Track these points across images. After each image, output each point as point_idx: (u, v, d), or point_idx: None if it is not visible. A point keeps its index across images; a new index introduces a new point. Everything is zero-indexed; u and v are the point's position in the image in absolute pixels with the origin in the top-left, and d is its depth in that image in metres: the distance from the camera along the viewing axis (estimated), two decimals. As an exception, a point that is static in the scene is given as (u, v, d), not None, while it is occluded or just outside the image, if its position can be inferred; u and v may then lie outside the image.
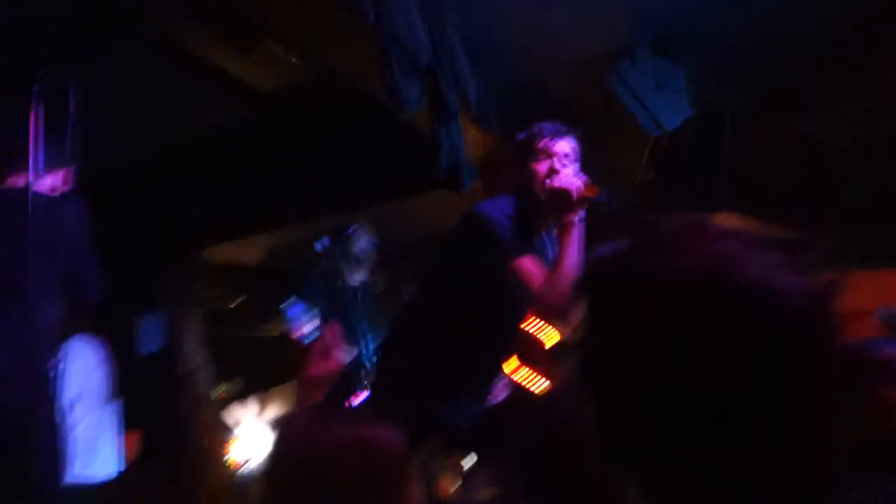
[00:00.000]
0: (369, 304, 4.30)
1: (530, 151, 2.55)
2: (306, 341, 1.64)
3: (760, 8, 4.03)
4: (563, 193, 2.39)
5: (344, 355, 1.63)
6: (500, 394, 2.64)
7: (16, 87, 2.20)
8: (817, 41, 4.29)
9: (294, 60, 3.78)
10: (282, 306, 1.68)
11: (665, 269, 0.69)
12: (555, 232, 2.53)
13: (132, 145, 4.99)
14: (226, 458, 7.62)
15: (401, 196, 5.57)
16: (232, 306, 7.24)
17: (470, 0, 3.99)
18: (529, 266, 2.38)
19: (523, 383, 4.90)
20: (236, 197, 5.59)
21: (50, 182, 2.62)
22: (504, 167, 5.12)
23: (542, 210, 2.51)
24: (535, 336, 5.03)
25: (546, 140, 2.54)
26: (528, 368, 4.94)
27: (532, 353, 5.00)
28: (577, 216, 2.39)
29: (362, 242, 4.35)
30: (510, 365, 5.08)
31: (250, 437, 8.24)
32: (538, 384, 4.86)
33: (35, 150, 2.21)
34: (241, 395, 8.31)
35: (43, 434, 2.17)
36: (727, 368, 0.63)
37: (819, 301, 0.66)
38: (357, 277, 4.35)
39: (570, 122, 2.64)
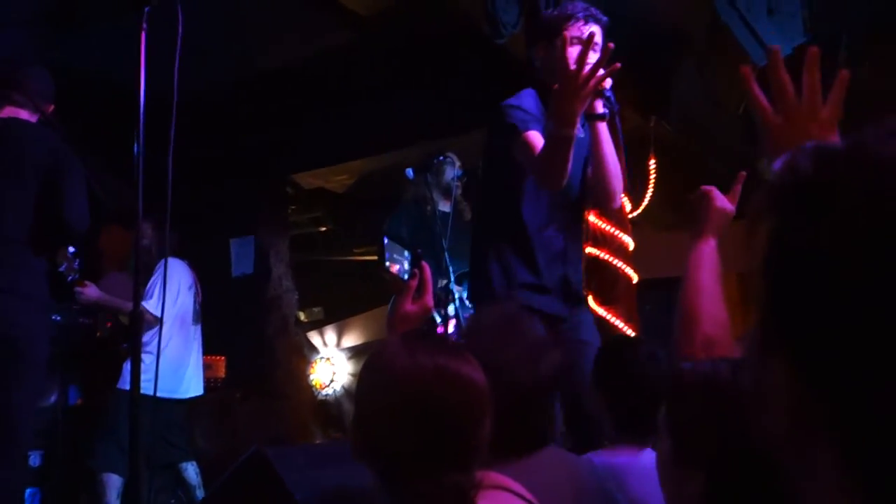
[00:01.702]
0: (455, 233, 4.28)
1: (559, 35, 2.43)
2: (402, 276, 1.65)
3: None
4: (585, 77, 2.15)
5: (432, 298, 1.66)
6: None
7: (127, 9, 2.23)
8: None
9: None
10: (383, 239, 1.69)
11: None
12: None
13: (228, 69, 5.04)
14: (311, 378, 7.88)
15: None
16: (320, 231, 7.38)
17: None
18: (532, 139, 2.43)
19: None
20: (329, 123, 5.62)
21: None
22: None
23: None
24: (615, 272, 4.96)
25: (580, 24, 2.45)
26: (606, 309, 4.89)
27: (611, 292, 4.94)
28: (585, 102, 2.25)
29: (451, 171, 4.31)
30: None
31: (334, 359, 8.49)
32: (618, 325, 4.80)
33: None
34: (325, 319, 8.53)
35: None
36: None
37: None
38: (444, 206, 4.33)
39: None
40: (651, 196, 5.58)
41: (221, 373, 5.42)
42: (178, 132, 2.22)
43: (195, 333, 4.51)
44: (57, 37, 4.28)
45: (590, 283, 5.14)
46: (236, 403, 5.58)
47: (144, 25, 2.16)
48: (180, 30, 2.14)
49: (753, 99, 1.10)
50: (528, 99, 2.59)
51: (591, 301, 5.04)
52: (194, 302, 4.51)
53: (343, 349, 8.60)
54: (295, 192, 6.56)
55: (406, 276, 1.78)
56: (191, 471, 4.30)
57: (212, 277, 5.03)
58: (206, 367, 4.80)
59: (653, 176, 5.49)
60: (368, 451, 1.22)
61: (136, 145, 2.17)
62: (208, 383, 4.85)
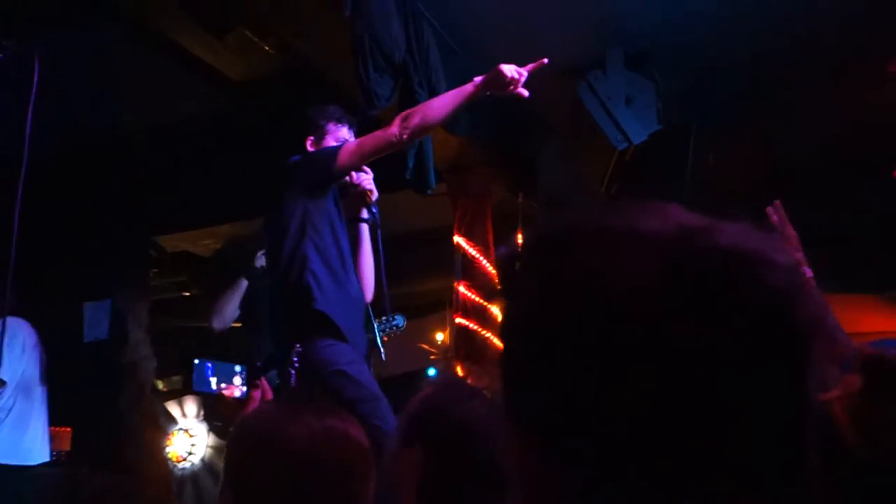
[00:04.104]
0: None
1: (325, 133, 3.07)
2: (241, 397, 1.56)
3: (732, 28, 4.11)
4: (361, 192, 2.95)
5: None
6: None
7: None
8: (787, 64, 4.39)
9: (267, 49, 3.73)
10: (195, 363, 1.55)
11: (626, 233, 0.59)
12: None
13: (95, 126, 4.87)
14: (167, 451, 7.46)
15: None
16: (184, 296, 7.11)
17: (447, 0, 3.98)
18: (362, 137, 2.89)
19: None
20: (197, 185, 5.49)
21: None
22: (470, 171, 5.13)
23: None
24: (483, 342, 5.04)
25: (346, 129, 3.06)
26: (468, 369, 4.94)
27: (479, 362, 5.01)
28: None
29: None
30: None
31: (193, 430, 8.09)
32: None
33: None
34: (184, 390, 8.15)
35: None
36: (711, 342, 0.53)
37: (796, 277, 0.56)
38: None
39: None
40: (518, 269, 5.75)
41: (67, 445, 5.05)
42: (37, 189, 2.12)
43: (42, 395, 4.22)
44: None
45: (459, 352, 5.20)
46: (82, 479, 5.20)
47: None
48: (35, 78, 2.08)
49: None
50: None
51: (458, 370, 5.09)
52: (39, 362, 4.23)
53: (204, 420, 8.22)
54: (158, 256, 6.33)
55: (242, 393, 1.81)
56: (25, 555, 3.95)
57: (61, 342, 4.73)
58: (51, 438, 4.46)
59: (520, 249, 5.67)
60: None
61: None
62: (52, 456, 4.50)
